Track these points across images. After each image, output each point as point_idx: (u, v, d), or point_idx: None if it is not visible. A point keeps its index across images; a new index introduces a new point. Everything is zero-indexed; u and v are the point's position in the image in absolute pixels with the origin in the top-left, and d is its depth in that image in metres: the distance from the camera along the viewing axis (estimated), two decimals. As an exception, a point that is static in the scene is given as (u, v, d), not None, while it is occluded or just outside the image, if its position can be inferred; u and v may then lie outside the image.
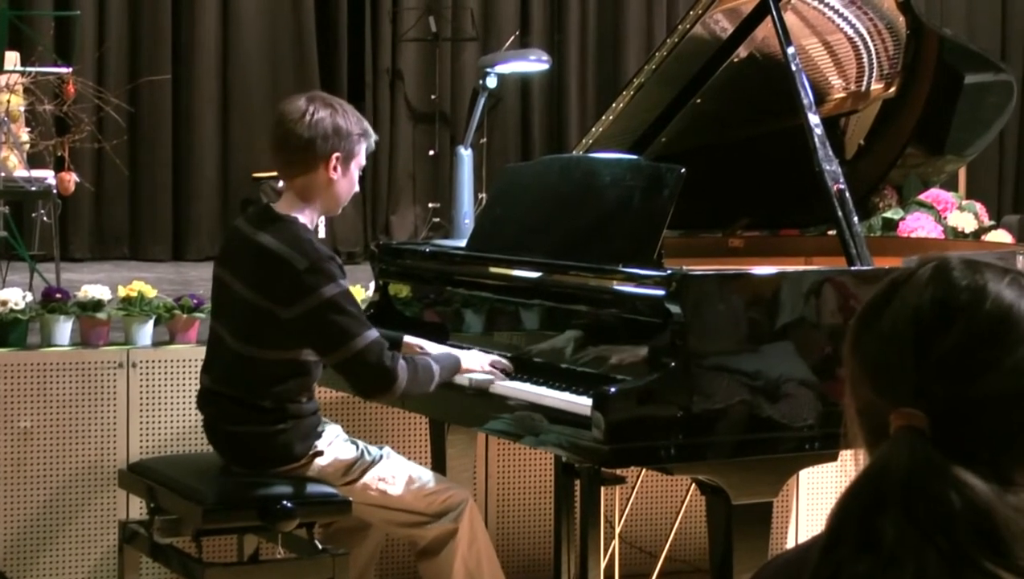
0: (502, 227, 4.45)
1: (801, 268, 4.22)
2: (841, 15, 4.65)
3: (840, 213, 4.00)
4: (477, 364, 4.07)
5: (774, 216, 5.13)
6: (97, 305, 5.10)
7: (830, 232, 4.56)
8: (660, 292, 3.63)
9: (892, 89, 4.83)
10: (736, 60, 4.63)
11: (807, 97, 4.14)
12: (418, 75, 9.67)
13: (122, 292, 5.15)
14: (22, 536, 4.92)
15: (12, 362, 4.91)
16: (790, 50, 4.21)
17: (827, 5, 4.64)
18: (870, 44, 4.72)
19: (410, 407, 4.56)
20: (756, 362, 3.61)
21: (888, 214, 6.48)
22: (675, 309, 3.57)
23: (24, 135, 6.24)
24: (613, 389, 3.49)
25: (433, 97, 9.57)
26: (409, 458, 4.30)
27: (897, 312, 1.56)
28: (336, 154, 4.01)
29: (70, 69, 6.21)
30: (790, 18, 4.46)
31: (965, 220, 6.97)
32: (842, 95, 4.85)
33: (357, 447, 4.16)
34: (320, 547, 4.00)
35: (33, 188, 6.12)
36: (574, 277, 3.98)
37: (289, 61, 9.34)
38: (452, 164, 8.47)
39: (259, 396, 4.00)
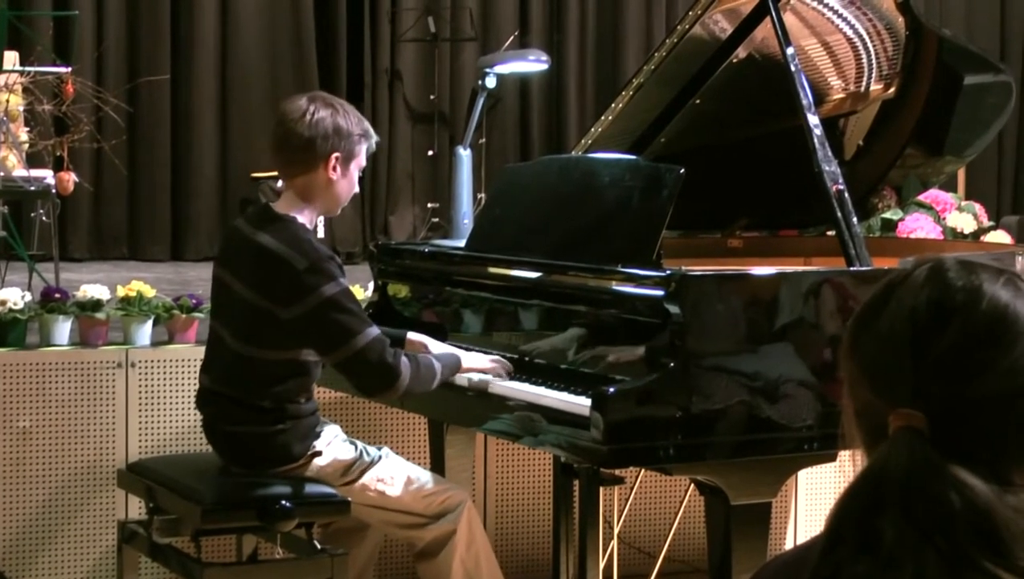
0: (501, 227, 4.45)
1: (800, 269, 4.22)
2: (840, 16, 4.65)
3: (839, 214, 4.00)
4: (478, 363, 4.07)
5: (773, 217, 5.13)
6: (96, 305, 5.10)
7: (829, 233, 4.56)
8: (659, 292, 3.63)
9: (891, 90, 4.83)
10: (735, 60, 4.63)
11: (806, 98, 4.14)
12: (417, 75, 9.68)
13: (121, 292, 5.15)
14: (21, 536, 4.92)
15: (11, 362, 4.91)
16: (789, 51, 4.21)
17: (826, 6, 4.64)
18: (869, 45, 4.72)
19: (409, 407, 4.56)
20: (755, 363, 3.61)
21: (887, 215, 6.48)
22: (674, 309, 3.57)
23: (23, 135, 6.25)
24: (612, 389, 3.49)
25: (432, 97, 9.57)
26: (408, 458, 4.30)
27: (894, 313, 1.57)
28: (336, 154, 4.01)
29: (69, 69, 6.21)
30: (789, 19, 4.47)
31: (964, 221, 6.97)
32: (841, 96, 4.86)
33: (356, 447, 4.16)
34: (319, 547, 4.00)
35: (32, 188, 6.13)
36: (573, 277, 3.98)
37: (288, 61, 9.34)
38: (451, 164, 8.47)
39: (258, 396, 4.00)
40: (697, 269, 3.77)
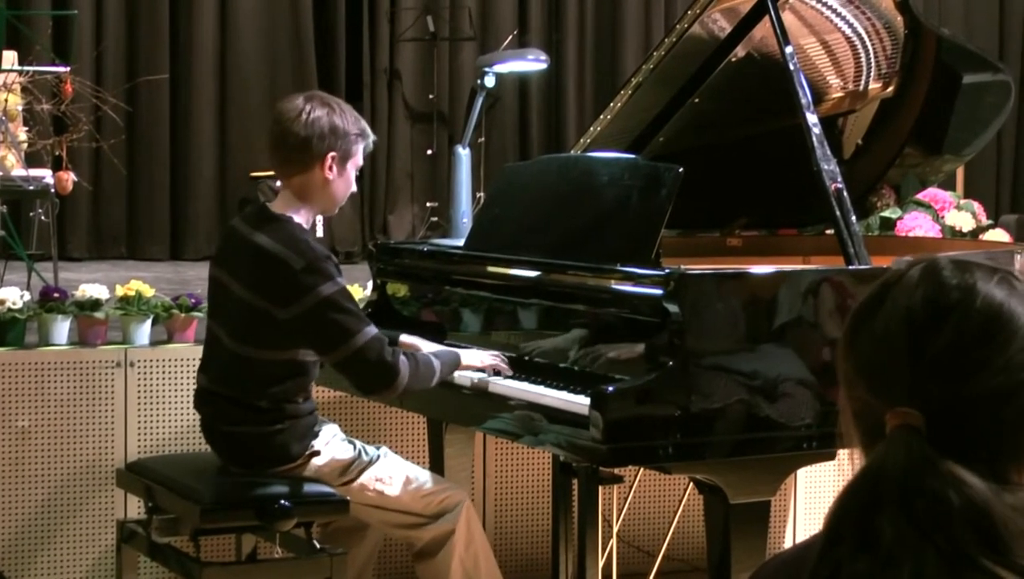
0: (500, 226, 4.45)
1: (799, 267, 4.23)
2: (839, 15, 4.65)
3: (838, 212, 4.00)
4: (477, 360, 4.08)
5: (772, 215, 5.13)
6: (95, 304, 5.10)
7: (828, 231, 4.56)
8: (658, 291, 3.64)
9: (890, 89, 4.83)
10: (734, 60, 4.63)
11: (805, 97, 4.14)
12: (416, 75, 9.68)
13: (120, 291, 5.15)
14: (20, 535, 4.92)
15: (10, 361, 4.91)
16: (788, 50, 4.21)
17: (825, 5, 4.64)
18: (868, 44, 4.72)
19: (408, 406, 4.56)
20: (754, 361, 3.62)
21: (886, 213, 6.48)
22: (673, 308, 3.58)
23: (22, 134, 6.25)
24: (611, 388, 3.49)
25: (431, 97, 9.57)
26: (407, 458, 4.30)
27: (889, 313, 1.57)
28: (332, 154, 4.01)
29: (68, 68, 6.21)
30: (788, 18, 4.47)
31: (963, 219, 6.98)
32: (840, 95, 4.86)
33: (354, 447, 4.16)
34: (318, 547, 4.00)
35: (31, 187, 6.13)
36: (572, 276, 3.98)
37: (287, 61, 9.34)
38: (450, 163, 8.47)
39: (256, 396, 4.00)
40: (696, 268, 3.77)
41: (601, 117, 4.70)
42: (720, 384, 3.56)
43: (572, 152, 4.77)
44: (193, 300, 5.16)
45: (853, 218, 4.02)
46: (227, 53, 9.20)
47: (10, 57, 6.35)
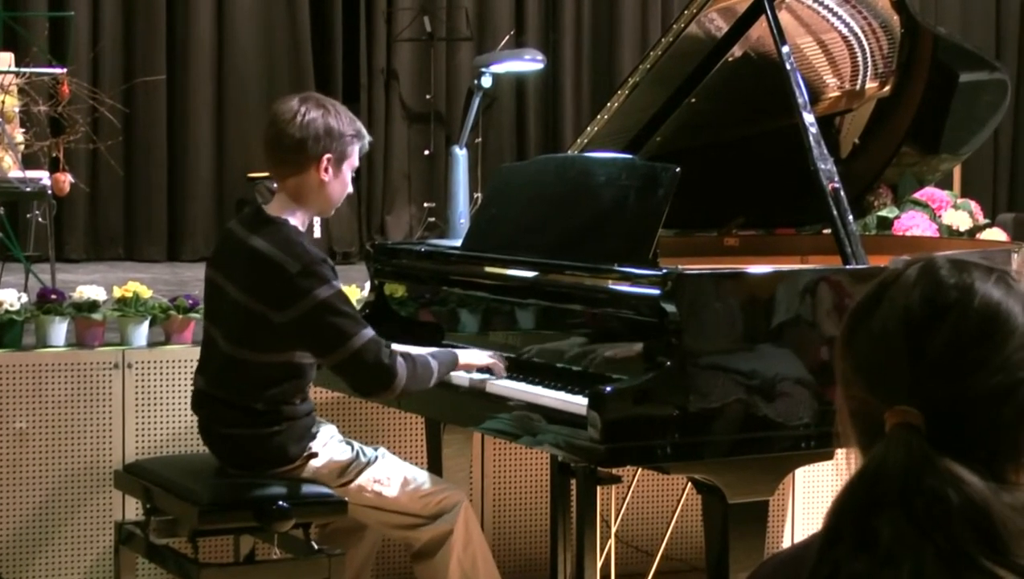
0: (497, 227, 4.45)
1: (797, 267, 4.23)
2: (835, 14, 4.65)
3: (835, 212, 4.00)
4: (475, 360, 4.07)
5: (769, 215, 5.13)
6: (92, 306, 5.09)
7: (825, 231, 4.56)
8: (655, 291, 3.63)
9: (887, 88, 4.83)
10: (731, 59, 4.63)
11: (802, 96, 4.14)
12: (413, 75, 9.67)
13: (117, 293, 5.15)
14: (18, 537, 4.92)
15: (7, 363, 4.91)
16: (785, 49, 4.21)
17: (821, 4, 4.64)
18: (864, 43, 4.72)
19: (406, 407, 4.56)
20: (752, 361, 3.62)
21: (883, 213, 6.49)
22: (670, 308, 3.58)
23: (19, 136, 6.24)
24: (609, 388, 3.49)
25: (428, 97, 9.57)
26: (405, 458, 4.30)
27: (887, 313, 1.57)
28: (328, 155, 4.01)
29: (65, 70, 6.21)
30: (784, 17, 4.47)
31: (960, 218, 6.98)
32: (837, 94, 4.86)
33: (352, 448, 4.16)
34: (316, 548, 4.00)
35: (28, 189, 6.12)
36: (570, 277, 3.98)
37: (284, 61, 9.34)
38: (447, 164, 8.47)
39: (252, 399, 4.00)
40: (693, 268, 3.77)
41: (598, 117, 4.69)
42: (718, 384, 3.56)
43: (569, 152, 4.77)
44: (190, 301, 5.16)
45: (850, 217, 4.02)
46: (224, 54, 9.20)
47: (7, 58, 6.35)
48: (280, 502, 3.89)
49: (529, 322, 4.14)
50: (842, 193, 4.04)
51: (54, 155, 6.19)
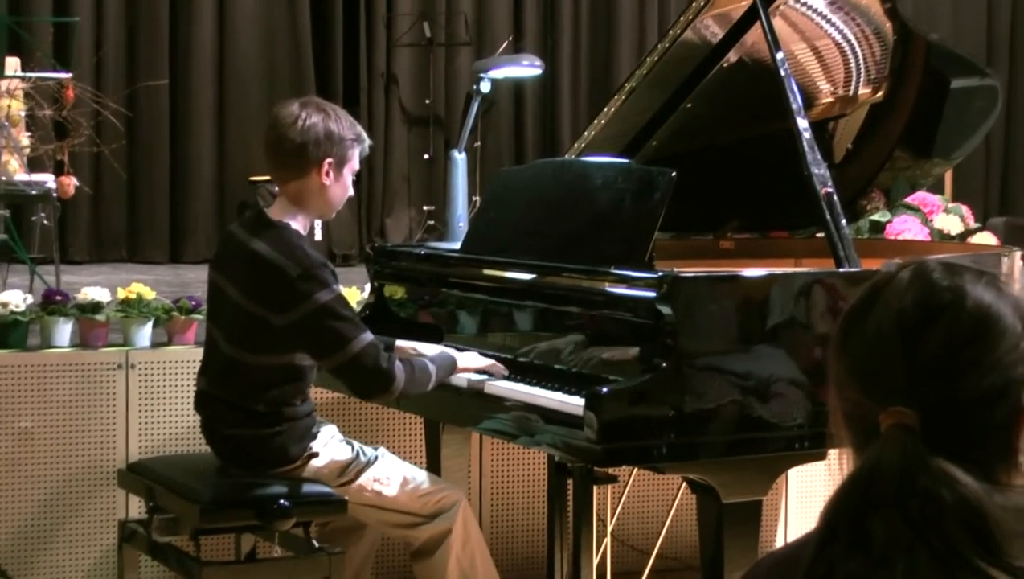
0: (496, 230, 4.45)
1: (790, 270, 4.23)
2: (829, 21, 4.66)
3: (828, 216, 4.00)
4: (473, 363, 4.07)
5: (764, 219, 5.13)
6: (96, 307, 5.09)
7: (819, 234, 4.56)
8: (651, 294, 3.63)
9: (880, 93, 4.83)
10: (726, 65, 4.63)
11: (796, 101, 4.14)
12: (412, 79, 9.68)
13: (121, 294, 5.15)
14: (23, 535, 4.92)
15: (12, 363, 4.91)
16: (779, 55, 4.21)
17: (815, 11, 4.64)
18: (858, 49, 4.72)
19: (405, 407, 4.56)
20: (746, 362, 3.62)
21: (876, 217, 6.48)
22: (666, 310, 3.58)
23: (24, 139, 6.25)
24: (605, 389, 3.49)
25: (427, 101, 9.57)
26: (404, 458, 4.30)
27: (881, 315, 1.57)
28: (328, 159, 4.00)
29: (69, 74, 6.21)
30: (779, 23, 4.47)
31: (951, 222, 6.98)
32: (830, 99, 4.86)
33: (352, 448, 4.15)
34: (316, 546, 4.00)
35: (33, 192, 6.13)
36: (567, 279, 3.98)
37: (285, 66, 9.34)
38: (446, 167, 8.46)
39: (253, 400, 3.99)
40: (689, 271, 3.77)
41: (595, 122, 4.69)
42: (713, 385, 3.56)
43: (567, 156, 4.77)
44: (193, 302, 5.16)
45: (843, 221, 4.02)
46: (225, 58, 9.20)
47: (13, 63, 6.35)
48: (281, 501, 3.89)
49: (527, 324, 4.14)
50: (835, 197, 4.04)
51: (59, 158, 6.20)
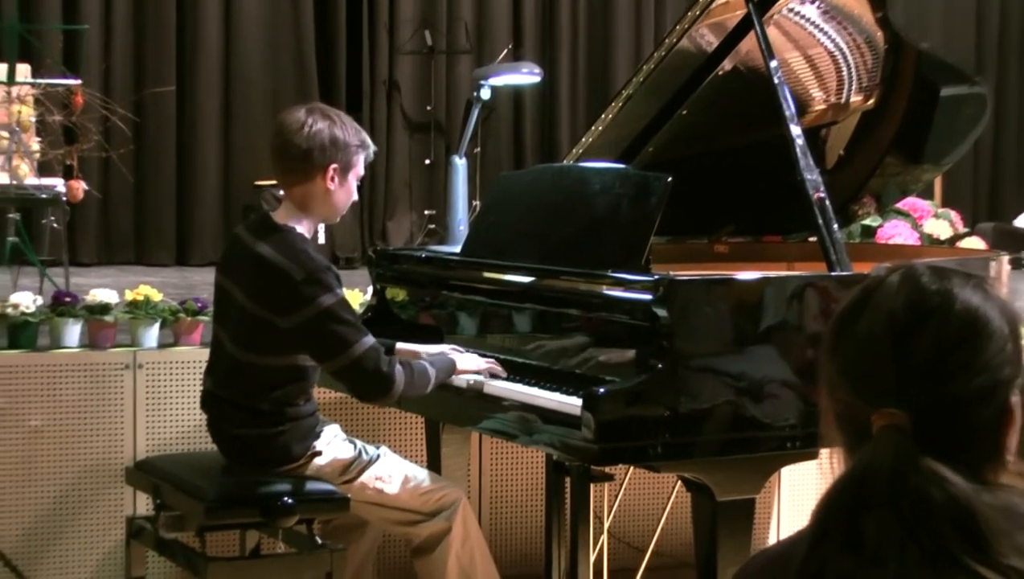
0: (496, 233, 4.45)
1: (784, 273, 4.23)
2: (822, 30, 4.66)
3: (821, 220, 4.01)
4: (473, 365, 4.07)
5: (758, 223, 5.13)
6: (104, 308, 5.10)
7: (811, 239, 4.56)
8: (648, 296, 3.64)
9: (871, 101, 4.83)
10: (721, 73, 4.63)
11: (789, 109, 4.15)
12: (414, 86, 9.68)
13: (128, 296, 5.16)
14: (33, 530, 4.92)
15: (23, 363, 4.91)
16: (773, 63, 4.21)
17: (808, 20, 4.64)
18: (850, 58, 4.72)
19: (406, 407, 4.56)
20: (740, 364, 3.62)
21: (867, 221, 6.50)
22: (662, 313, 3.58)
23: (34, 144, 6.24)
24: (602, 390, 3.49)
25: (429, 108, 9.57)
26: (405, 457, 4.30)
27: (872, 318, 1.58)
28: (333, 165, 4.00)
29: (78, 81, 6.21)
30: (773, 32, 4.47)
31: (941, 227, 6.99)
32: (823, 107, 4.86)
33: (355, 447, 4.16)
34: (319, 543, 4.00)
35: (43, 195, 6.13)
36: (565, 282, 3.98)
37: (289, 72, 9.34)
38: (447, 172, 8.47)
39: (258, 400, 4.00)
40: (684, 274, 3.77)
41: (593, 128, 4.70)
42: (707, 386, 3.56)
43: (565, 162, 4.77)
44: (199, 304, 5.16)
45: (835, 226, 4.03)
46: (231, 65, 9.20)
47: (23, 70, 6.35)
48: (285, 499, 3.89)
49: (526, 325, 4.14)
50: (827, 202, 4.04)
51: (68, 163, 6.19)
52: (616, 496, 4.86)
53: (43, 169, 6.38)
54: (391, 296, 4.75)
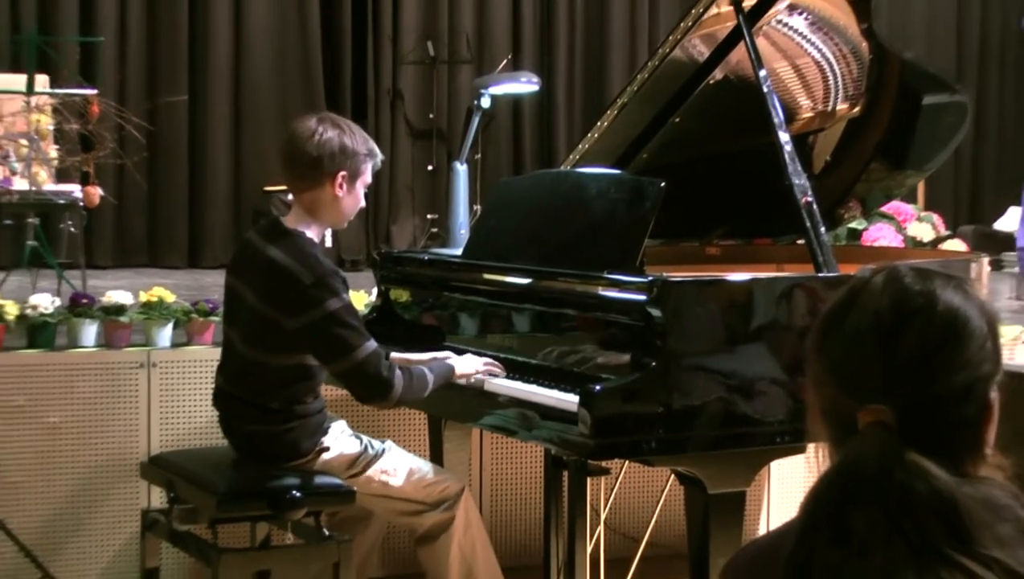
0: (496, 236, 4.45)
1: (773, 275, 4.23)
2: (809, 40, 4.66)
3: (808, 224, 4.01)
4: (471, 368, 4.05)
5: (748, 226, 5.13)
6: (120, 309, 5.10)
7: (799, 241, 4.56)
8: (642, 297, 3.64)
9: (857, 109, 4.83)
10: (712, 82, 4.63)
11: (778, 116, 4.15)
12: (417, 95, 9.68)
13: (143, 297, 5.16)
14: (52, 523, 4.92)
15: (41, 362, 4.92)
16: (762, 73, 4.21)
17: (796, 31, 4.64)
18: (836, 67, 4.72)
19: (410, 405, 4.55)
20: (731, 362, 3.62)
21: (853, 224, 6.49)
22: (656, 313, 3.58)
23: (52, 152, 6.24)
24: (598, 387, 3.49)
25: (431, 116, 9.57)
26: (409, 452, 4.30)
27: (858, 317, 1.58)
28: (342, 172, 4.00)
29: (94, 91, 6.21)
30: (762, 43, 4.47)
31: (923, 230, 6.99)
32: (810, 114, 4.86)
33: (361, 442, 4.16)
34: (327, 534, 4.00)
35: (61, 201, 6.13)
36: (562, 283, 3.98)
37: (297, 82, 9.34)
38: (449, 178, 8.46)
39: (268, 398, 3.99)
40: (677, 275, 3.77)
41: (589, 135, 4.69)
42: (700, 383, 3.56)
43: (562, 167, 4.77)
44: (211, 305, 5.16)
45: (822, 229, 4.03)
46: (241, 75, 9.20)
47: (42, 80, 6.35)
48: (293, 492, 3.89)
49: (525, 325, 4.14)
50: (815, 206, 4.04)
51: (85, 170, 6.20)
52: (612, 489, 4.86)
53: (61, 176, 6.38)
54: (395, 297, 4.75)
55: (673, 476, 3.90)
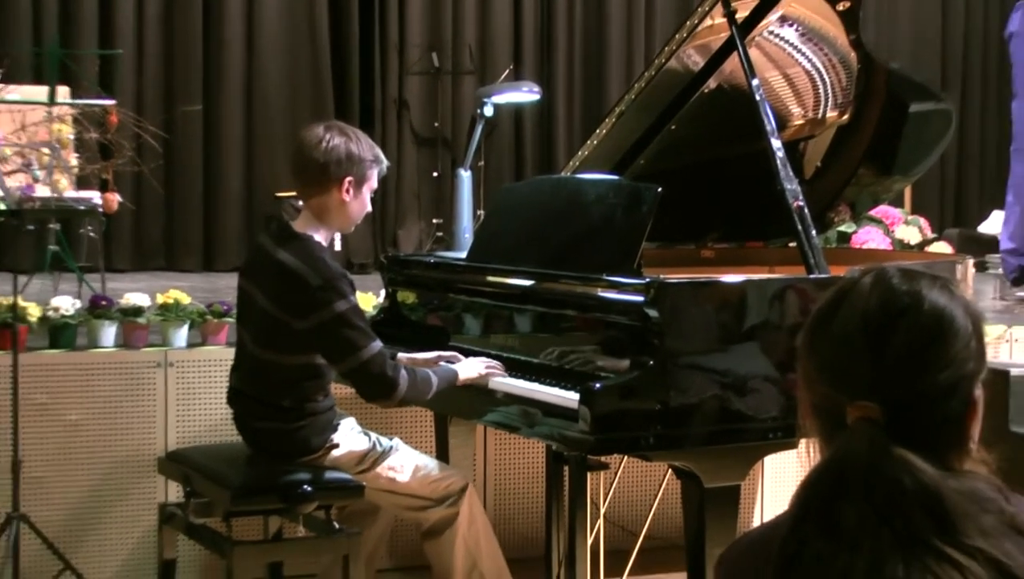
0: (499, 240, 4.45)
1: (765, 276, 4.23)
2: (800, 51, 4.66)
3: (800, 227, 4.01)
4: (474, 372, 4.04)
5: (741, 229, 5.13)
6: (137, 311, 5.10)
7: (791, 244, 4.56)
8: (639, 298, 3.64)
9: (846, 116, 4.83)
10: (706, 90, 4.63)
11: (770, 124, 4.15)
12: (422, 104, 9.67)
13: (160, 299, 5.16)
14: (73, 517, 4.92)
15: (62, 362, 4.92)
16: (755, 82, 4.21)
17: (787, 42, 4.64)
18: (826, 76, 4.73)
19: (415, 403, 4.55)
20: (726, 360, 3.62)
21: (842, 228, 6.49)
22: (653, 313, 3.58)
23: (73, 160, 6.24)
24: (598, 385, 3.50)
25: (436, 124, 9.57)
26: (415, 447, 4.30)
27: (847, 317, 1.58)
28: (349, 178, 4.00)
29: (113, 101, 6.22)
30: (754, 53, 4.47)
31: (910, 233, 6.99)
32: (801, 122, 4.86)
33: (369, 439, 4.15)
34: (336, 527, 4.00)
35: (81, 207, 6.13)
36: (563, 285, 3.98)
37: (307, 92, 9.33)
38: (453, 184, 8.44)
39: (279, 396, 3.99)
40: (673, 277, 3.77)
41: (588, 142, 4.70)
42: (696, 381, 3.56)
43: (562, 173, 4.77)
44: (225, 307, 5.16)
45: (813, 232, 4.03)
46: (253, 86, 9.19)
47: (63, 91, 6.35)
48: (304, 487, 3.89)
49: (527, 326, 4.14)
50: (806, 210, 4.04)
51: (104, 177, 6.20)
52: (611, 483, 4.85)
53: (81, 183, 6.38)
54: (402, 299, 4.75)
55: (670, 471, 3.90)
